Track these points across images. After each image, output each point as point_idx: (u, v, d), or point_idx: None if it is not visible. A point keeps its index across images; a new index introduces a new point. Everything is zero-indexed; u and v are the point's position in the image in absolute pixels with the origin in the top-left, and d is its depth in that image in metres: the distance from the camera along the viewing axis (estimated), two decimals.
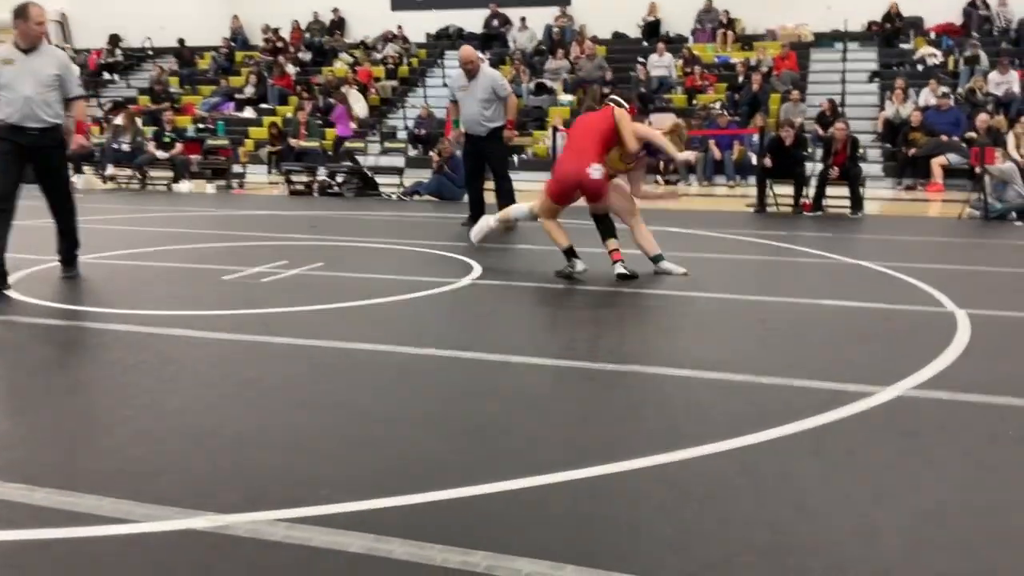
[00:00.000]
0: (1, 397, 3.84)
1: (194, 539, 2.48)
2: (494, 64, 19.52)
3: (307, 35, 23.04)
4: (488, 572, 2.31)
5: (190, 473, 2.96)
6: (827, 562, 2.39)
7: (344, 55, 21.87)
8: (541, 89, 18.90)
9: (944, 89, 15.86)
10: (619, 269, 6.32)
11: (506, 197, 9.21)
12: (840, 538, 2.53)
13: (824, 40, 19.43)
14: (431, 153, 13.75)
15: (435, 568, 2.32)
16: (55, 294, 5.78)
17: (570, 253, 6.36)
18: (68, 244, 6.39)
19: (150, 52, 23.70)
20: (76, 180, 15.06)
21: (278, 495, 2.76)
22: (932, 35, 18.88)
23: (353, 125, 18.31)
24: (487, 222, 7.21)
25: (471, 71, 9.31)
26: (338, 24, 23.12)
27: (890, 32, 19.02)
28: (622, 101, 6.77)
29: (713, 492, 2.82)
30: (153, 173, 15.19)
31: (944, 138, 14.51)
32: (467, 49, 9.76)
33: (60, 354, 4.42)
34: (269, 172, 16.95)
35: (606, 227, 6.55)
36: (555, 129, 16.03)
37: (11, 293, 5.72)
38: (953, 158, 14.21)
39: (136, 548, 2.44)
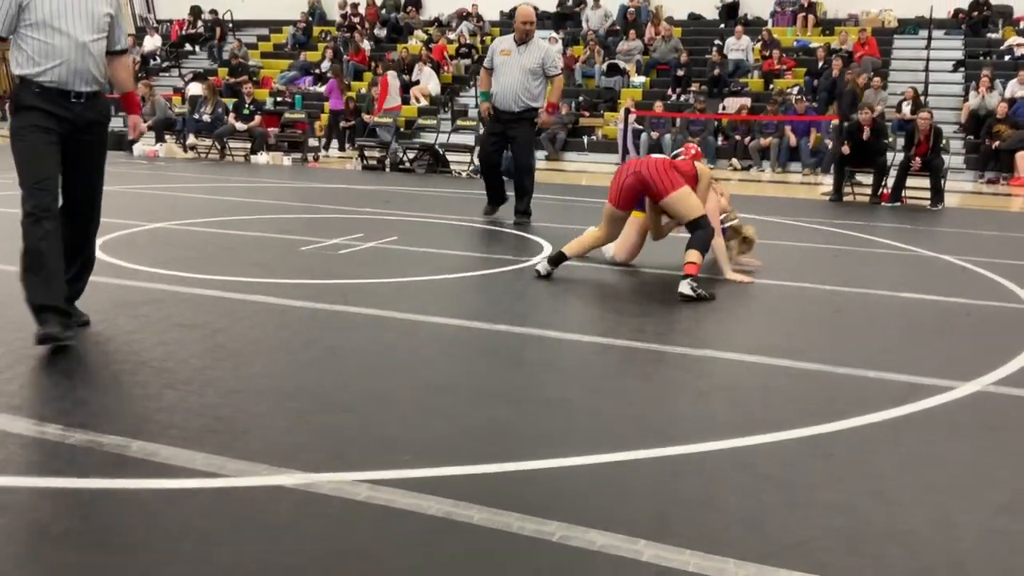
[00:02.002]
0: (95, 357, 4.01)
1: (283, 495, 2.59)
2: (567, 44, 19.52)
3: (383, 12, 23.26)
4: (562, 542, 2.36)
5: (275, 433, 3.07)
6: (904, 550, 2.39)
7: (419, 32, 22.04)
8: (614, 70, 18.79)
9: None
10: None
11: (525, 195, 8.33)
12: (917, 527, 2.52)
13: (908, 27, 18.94)
14: None
15: (512, 535, 2.39)
16: (140, 257, 5.98)
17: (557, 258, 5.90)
18: (83, 265, 4.34)
19: (230, 25, 24.14)
20: (158, 148, 15.52)
21: (358, 457, 2.85)
22: (1021, 24, 18.28)
23: (424, 102, 18.42)
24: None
25: (527, 33, 8.08)
26: (413, 1, 23.29)
27: (977, 20, 18.48)
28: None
29: (788, 476, 2.83)
30: (232, 144, 15.55)
31: None
32: (527, 8, 8.40)
33: (147, 316, 4.58)
34: (342, 147, 17.21)
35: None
36: (627, 111, 15.93)
37: (96, 254, 5.87)
38: None
39: (227, 501, 2.55)
